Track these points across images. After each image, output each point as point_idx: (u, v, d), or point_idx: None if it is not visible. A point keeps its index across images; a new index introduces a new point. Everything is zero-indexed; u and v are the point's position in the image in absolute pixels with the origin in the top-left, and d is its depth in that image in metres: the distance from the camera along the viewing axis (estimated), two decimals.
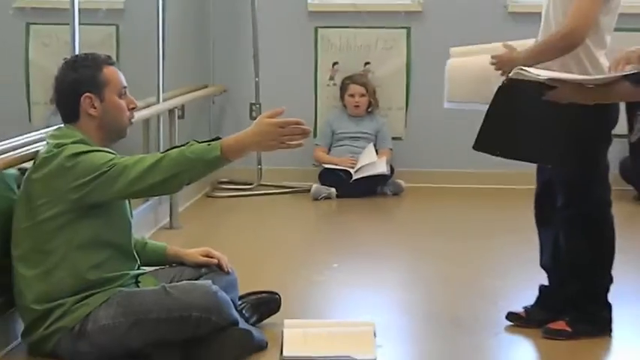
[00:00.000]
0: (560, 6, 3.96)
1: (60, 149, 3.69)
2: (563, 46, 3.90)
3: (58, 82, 3.85)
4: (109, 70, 3.83)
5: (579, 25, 3.87)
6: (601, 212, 4.07)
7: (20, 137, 4.15)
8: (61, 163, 3.66)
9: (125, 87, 3.87)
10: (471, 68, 4.18)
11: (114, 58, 3.93)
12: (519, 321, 4.21)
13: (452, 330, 4.21)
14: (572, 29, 3.87)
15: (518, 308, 4.23)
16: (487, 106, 3.98)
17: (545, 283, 4.23)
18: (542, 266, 4.24)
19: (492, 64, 4.03)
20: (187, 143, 3.66)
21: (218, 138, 3.66)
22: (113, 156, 3.68)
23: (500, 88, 3.75)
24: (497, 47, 4.14)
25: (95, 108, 3.79)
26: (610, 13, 3.96)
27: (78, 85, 3.78)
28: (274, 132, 3.62)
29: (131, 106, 3.90)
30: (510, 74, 3.62)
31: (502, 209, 6.57)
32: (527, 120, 3.76)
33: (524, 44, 4.14)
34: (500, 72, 3.99)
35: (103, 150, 3.72)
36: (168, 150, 3.70)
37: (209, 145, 3.62)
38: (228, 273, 4.10)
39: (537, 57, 3.91)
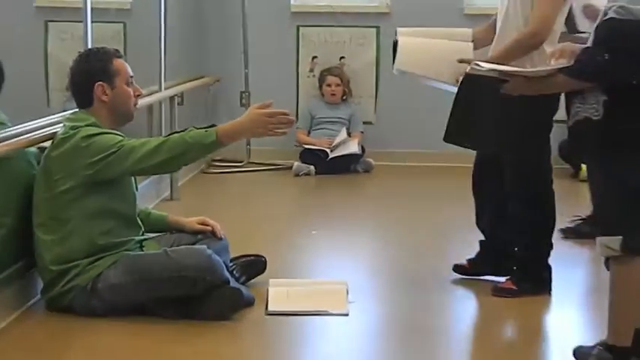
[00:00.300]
0: (520, 6, 3.93)
1: (75, 131, 3.68)
2: (530, 44, 3.87)
3: (74, 73, 3.84)
4: (117, 62, 3.82)
5: (544, 27, 3.85)
6: (544, 188, 4.10)
7: (40, 120, 4.13)
8: (77, 143, 3.65)
9: (132, 76, 3.86)
10: (422, 44, 4.15)
11: (122, 51, 3.92)
12: (464, 271, 4.27)
13: (413, 288, 4.22)
14: (538, 29, 3.85)
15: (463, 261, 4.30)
16: (432, 81, 3.99)
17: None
18: (480, 228, 4.28)
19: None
20: (187, 129, 3.66)
21: (213, 125, 3.66)
22: (122, 138, 3.67)
23: (461, 82, 3.73)
24: (441, 31, 4.13)
25: (107, 95, 3.78)
26: (564, 14, 3.96)
27: (92, 75, 3.77)
28: (263, 121, 3.62)
29: (137, 93, 3.89)
30: (467, 69, 3.61)
31: (461, 184, 6.56)
32: (483, 112, 3.75)
33: (463, 33, 4.14)
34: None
35: (113, 132, 3.72)
36: (170, 134, 3.69)
37: (206, 131, 3.61)
38: (220, 239, 4.10)
39: (507, 57, 3.85)
